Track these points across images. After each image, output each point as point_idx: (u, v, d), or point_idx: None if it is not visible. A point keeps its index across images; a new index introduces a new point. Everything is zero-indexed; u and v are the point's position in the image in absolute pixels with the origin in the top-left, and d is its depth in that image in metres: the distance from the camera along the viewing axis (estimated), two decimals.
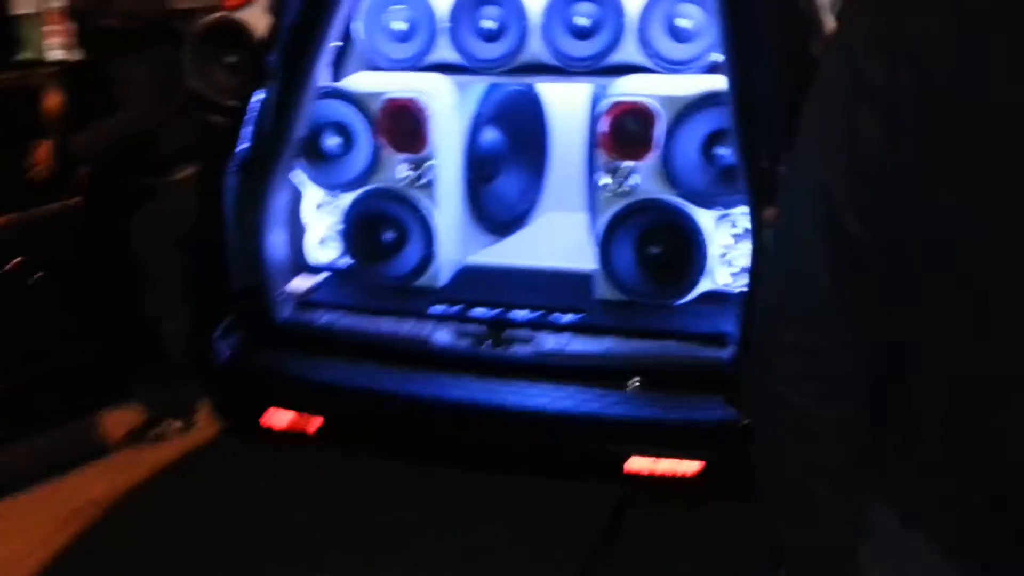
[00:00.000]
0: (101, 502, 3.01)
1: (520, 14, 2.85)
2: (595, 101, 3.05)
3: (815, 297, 0.89)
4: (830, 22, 2.51)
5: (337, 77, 2.94)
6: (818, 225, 0.87)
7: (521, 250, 3.23)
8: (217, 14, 3.13)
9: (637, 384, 2.32)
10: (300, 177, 2.83)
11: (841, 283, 0.87)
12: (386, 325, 2.62)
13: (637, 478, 2.21)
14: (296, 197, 2.86)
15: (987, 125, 0.76)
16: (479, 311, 2.64)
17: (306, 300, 2.75)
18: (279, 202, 2.67)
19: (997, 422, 0.81)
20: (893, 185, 0.82)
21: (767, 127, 2.19)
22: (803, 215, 0.90)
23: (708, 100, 2.47)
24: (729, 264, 2.60)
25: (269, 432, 2.44)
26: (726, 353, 2.31)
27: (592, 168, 2.88)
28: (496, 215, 3.28)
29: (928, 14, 0.78)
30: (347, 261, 2.92)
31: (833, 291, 0.88)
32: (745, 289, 2.28)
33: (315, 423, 2.41)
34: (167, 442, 3.34)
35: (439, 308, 2.68)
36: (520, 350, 2.45)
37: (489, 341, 2.50)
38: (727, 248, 2.59)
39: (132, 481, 3.12)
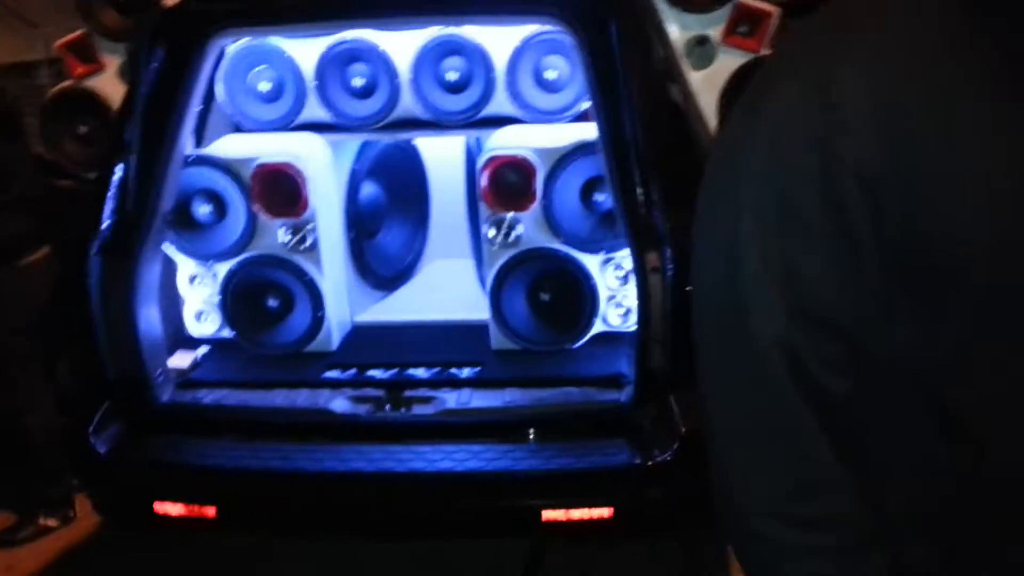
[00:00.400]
0: None
1: (389, 70, 2.84)
2: (470, 151, 3.08)
3: (813, 465, 0.79)
4: (687, 69, 2.66)
5: (201, 142, 2.82)
6: (780, 387, 0.77)
7: (411, 304, 3.21)
8: (66, 83, 2.94)
9: (532, 437, 2.34)
10: (170, 249, 2.70)
11: (831, 438, 0.78)
12: (279, 398, 2.52)
13: (552, 528, 2.21)
14: (168, 271, 2.72)
15: (951, 238, 0.69)
16: (375, 373, 2.59)
17: (188, 379, 2.61)
18: (149, 278, 2.52)
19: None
20: (850, 323, 0.74)
21: (639, 174, 2.28)
22: (759, 372, 0.79)
23: (582, 149, 2.54)
24: (618, 305, 2.68)
25: (162, 521, 2.28)
26: (624, 395, 2.36)
27: (474, 218, 2.90)
28: (382, 270, 3.24)
29: (868, 131, 0.70)
30: (229, 333, 2.80)
31: (831, 450, 0.78)
32: (635, 328, 2.34)
33: (210, 510, 2.28)
34: (42, 540, 3.07)
35: (333, 374, 2.61)
36: (421, 411, 2.42)
37: (388, 404, 2.45)
38: (614, 290, 2.67)
39: None
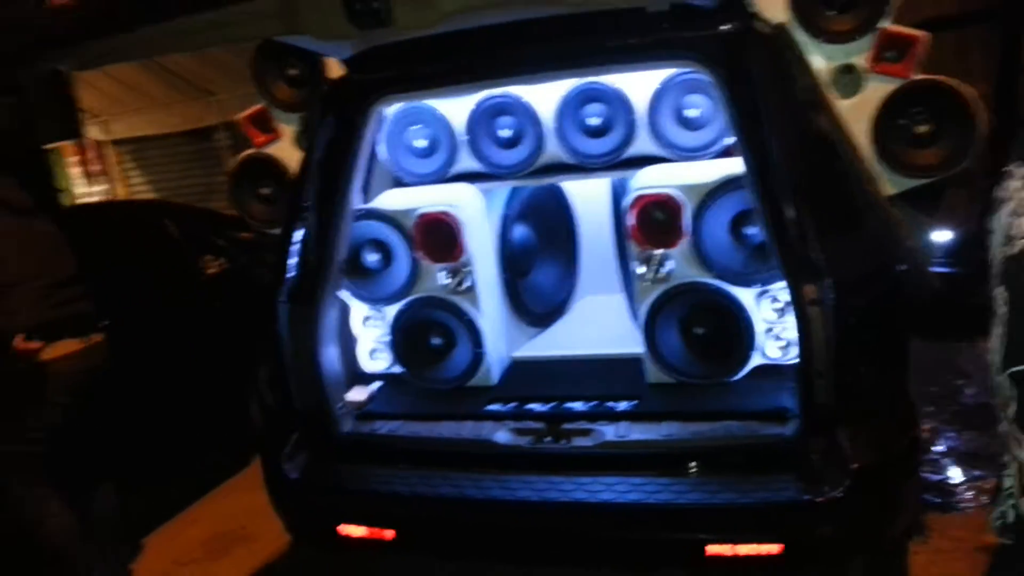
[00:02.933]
0: None
1: (534, 120, 3.00)
2: (615, 189, 3.18)
3: None
4: (834, 98, 2.64)
5: (367, 197, 3.09)
6: None
7: (565, 339, 3.32)
8: (249, 151, 3.30)
9: (694, 470, 2.35)
10: (345, 295, 2.96)
11: None
12: (446, 429, 2.68)
13: (719, 562, 2.22)
14: (344, 313, 2.97)
15: None
16: (535, 406, 2.71)
17: (365, 411, 2.83)
18: (329, 321, 2.77)
19: None
20: None
21: (791, 205, 2.28)
22: None
23: (729, 184, 2.57)
24: (777, 338, 2.66)
25: (345, 542, 2.49)
26: (788, 429, 2.34)
27: (623, 254, 2.98)
28: (536, 307, 3.38)
29: None
30: (398, 369, 3.02)
31: None
32: (796, 360, 2.32)
33: (389, 533, 2.46)
34: None
35: (495, 407, 2.75)
36: (582, 442, 2.50)
37: (549, 436, 2.55)
38: (771, 323, 2.65)
39: None
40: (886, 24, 2.53)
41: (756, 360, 2.67)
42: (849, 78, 2.61)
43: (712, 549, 2.20)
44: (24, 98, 3.11)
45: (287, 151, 3.21)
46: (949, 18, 5.75)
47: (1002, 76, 5.47)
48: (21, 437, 2.87)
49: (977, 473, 3.41)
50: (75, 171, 11.99)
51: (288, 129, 3.23)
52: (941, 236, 4.62)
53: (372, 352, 3.09)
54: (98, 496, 3.26)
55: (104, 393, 3.15)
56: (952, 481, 3.38)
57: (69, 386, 2.97)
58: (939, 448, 3.61)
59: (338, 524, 2.54)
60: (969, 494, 3.30)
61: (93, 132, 11.70)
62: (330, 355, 2.76)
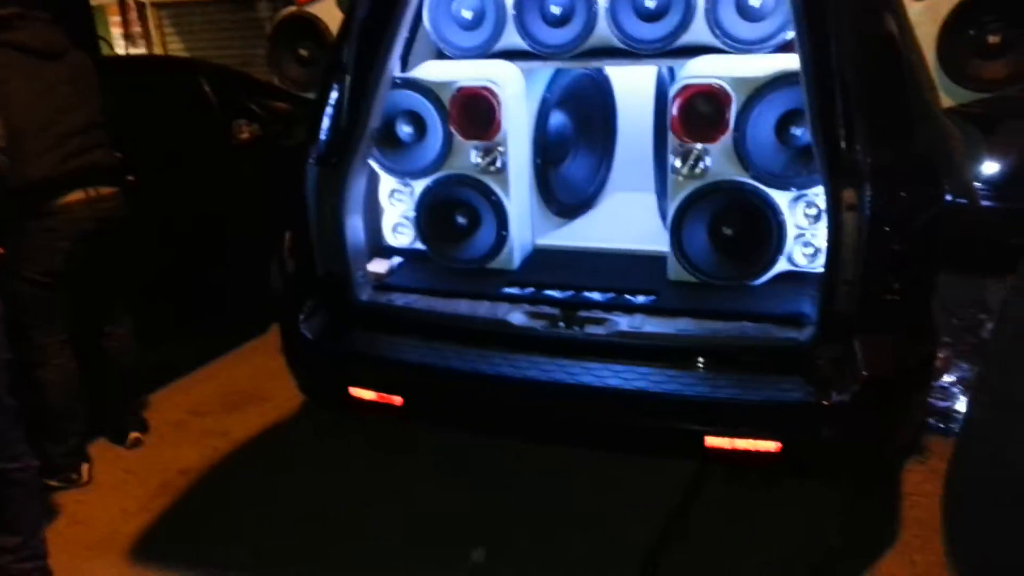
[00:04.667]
0: None
1: None
2: (661, 82, 3.06)
3: None
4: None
5: (406, 66, 3.00)
6: None
7: (591, 232, 3.27)
8: (291, 8, 3.22)
9: (702, 365, 2.35)
10: (374, 166, 2.92)
11: None
12: (462, 307, 2.69)
13: (716, 455, 2.25)
14: (372, 184, 2.94)
15: None
16: (552, 293, 2.69)
17: (384, 283, 2.84)
18: (356, 190, 2.74)
19: None
20: None
21: (843, 107, 2.18)
22: None
23: (781, 80, 2.46)
24: (806, 244, 2.60)
25: (355, 403, 2.54)
26: (804, 334, 2.31)
27: (661, 149, 2.89)
28: (565, 197, 3.32)
29: None
30: (421, 246, 3.01)
31: None
32: (821, 269, 2.28)
33: (398, 399, 2.50)
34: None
35: (513, 290, 2.74)
36: (595, 330, 2.49)
37: (563, 322, 2.55)
38: (803, 228, 2.59)
39: None
40: None
41: (782, 266, 2.62)
42: None
43: (711, 441, 2.22)
44: None
45: (330, 12, 3.14)
46: None
47: None
48: (26, 278, 2.92)
49: None
50: (116, 31, 11.85)
51: None
52: (990, 167, 4.45)
53: (396, 227, 3.07)
54: (113, 341, 3.32)
55: (119, 243, 3.17)
56: (958, 409, 3.36)
57: (72, 234, 2.98)
58: (950, 377, 3.57)
59: (349, 386, 2.58)
60: None
61: None
62: (354, 223, 2.74)
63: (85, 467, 3.19)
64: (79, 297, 3.12)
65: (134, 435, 3.43)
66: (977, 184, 4.46)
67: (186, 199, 3.97)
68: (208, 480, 3.23)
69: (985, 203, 4.50)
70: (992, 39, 2.43)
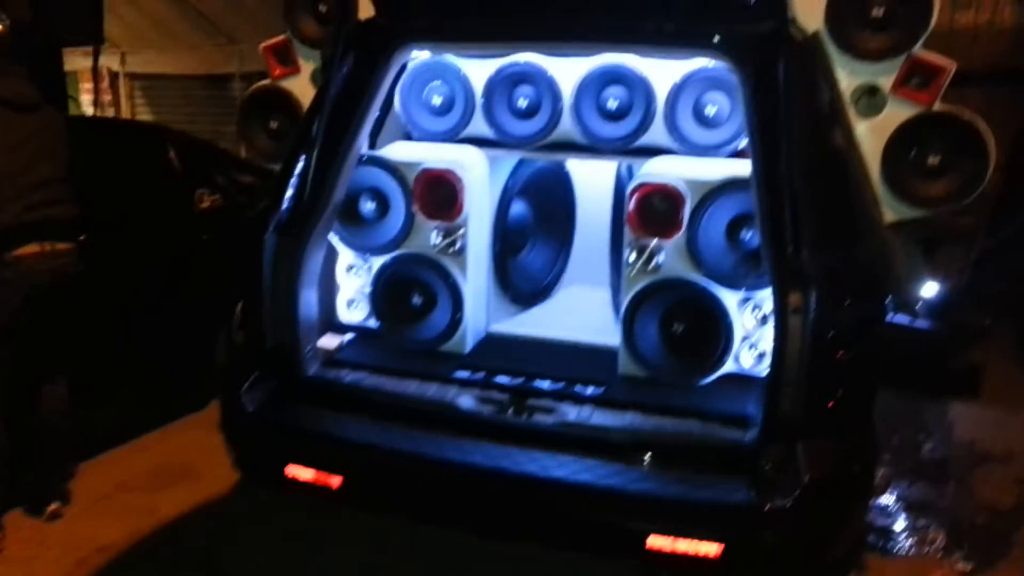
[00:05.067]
0: None
1: (554, 94, 2.98)
2: (620, 180, 3.16)
3: None
4: (853, 116, 2.64)
5: (375, 145, 3.06)
6: None
7: (545, 321, 3.29)
8: (264, 82, 3.27)
9: (648, 461, 2.33)
10: (334, 240, 2.92)
11: None
12: (411, 387, 2.65)
13: (657, 556, 2.19)
14: (330, 258, 2.93)
15: None
16: (503, 379, 2.67)
17: (333, 359, 2.79)
18: (314, 262, 2.73)
19: None
20: None
21: (791, 213, 2.26)
22: None
23: (733, 185, 2.56)
24: (752, 347, 2.65)
25: (291, 484, 2.45)
26: (748, 436, 2.32)
27: (617, 244, 2.96)
28: (522, 286, 3.35)
29: None
30: (374, 323, 2.98)
31: None
32: (767, 372, 2.30)
33: (337, 480, 2.42)
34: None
35: (463, 373, 2.72)
36: (542, 419, 2.48)
37: (512, 409, 2.53)
38: (750, 331, 2.64)
39: None
40: (917, 50, 2.52)
41: (729, 366, 2.66)
42: (870, 98, 2.61)
43: (653, 541, 2.17)
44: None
45: (303, 87, 3.18)
46: (976, 73, 5.80)
47: (1019, 140, 5.50)
48: None
49: (923, 523, 3.41)
50: (87, 97, 11.89)
51: (308, 65, 3.20)
52: (928, 289, 4.63)
53: (351, 302, 3.05)
54: (47, 401, 3.18)
55: (67, 301, 3.09)
56: (897, 528, 3.38)
57: (23, 287, 2.91)
58: (890, 495, 3.61)
59: (287, 464, 2.49)
60: (911, 541, 3.30)
61: (110, 62, 11.61)
62: (308, 296, 2.72)
63: None
64: (17, 352, 3.01)
65: (53, 506, 3.24)
66: (917, 304, 4.64)
67: (139, 262, 3.90)
68: (128, 559, 3.04)
69: (924, 324, 4.68)
70: (932, 160, 2.57)
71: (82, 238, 3.15)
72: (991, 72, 6.08)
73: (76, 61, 8.39)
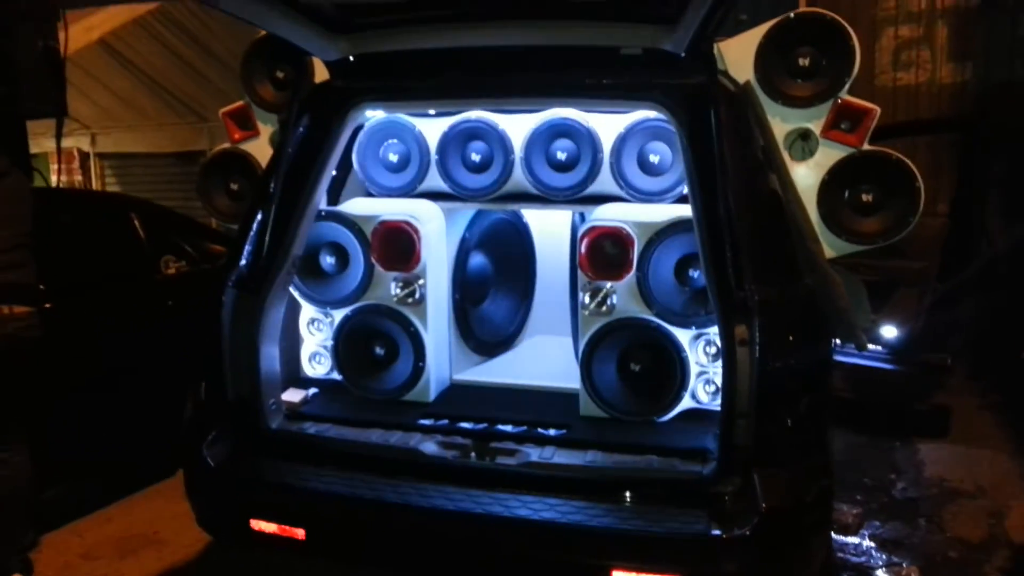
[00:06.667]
0: None
1: (504, 148, 3.10)
2: (576, 227, 3.26)
3: None
4: (787, 160, 2.77)
5: (336, 202, 3.14)
6: None
7: (508, 369, 3.34)
8: (224, 145, 3.36)
9: (609, 497, 2.36)
10: (296, 294, 2.97)
11: None
12: (375, 436, 2.67)
13: None
14: (291, 313, 2.98)
15: None
16: (466, 425, 2.71)
17: (297, 412, 2.81)
18: (274, 317, 2.77)
19: None
20: None
21: (732, 251, 2.36)
22: None
23: (678, 226, 2.67)
24: (708, 382, 2.72)
25: (256, 537, 2.43)
26: (707, 468, 2.37)
27: (575, 291, 3.03)
28: (484, 336, 3.41)
29: None
30: (338, 376, 3.01)
31: None
32: (720, 408, 2.36)
33: (301, 532, 2.41)
34: None
35: (427, 421, 2.75)
36: (506, 461, 2.50)
37: (475, 452, 2.55)
38: (704, 366, 2.71)
39: None
40: (843, 95, 2.68)
41: (686, 403, 2.71)
42: (803, 142, 2.75)
43: (617, 575, 2.18)
44: (11, 70, 3.16)
45: (262, 149, 3.27)
46: (925, 123, 6.09)
47: (967, 185, 5.74)
48: None
49: (895, 559, 3.43)
50: (55, 178, 11.95)
51: (266, 129, 3.29)
52: (888, 331, 4.75)
53: (313, 356, 3.09)
54: (6, 469, 3.14)
55: (26, 364, 3.08)
56: (871, 564, 3.40)
57: None
58: (863, 533, 3.64)
59: (250, 518, 2.49)
60: None
61: (80, 143, 11.73)
62: (269, 350, 2.75)
63: None
64: None
65: None
66: (878, 348, 4.76)
67: (102, 328, 3.90)
68: None
69: (886, 366, 4.78)
70: (865, 198, 2.70)
71: (48, 305, 3.16)
72: (937, 120, 6.40)
73: (43, 143, 8.48)
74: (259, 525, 2.47)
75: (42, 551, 3.42)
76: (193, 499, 2.63)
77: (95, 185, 12.23)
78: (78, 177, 12.25)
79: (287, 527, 2.44)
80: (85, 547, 3.56)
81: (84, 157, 12.21)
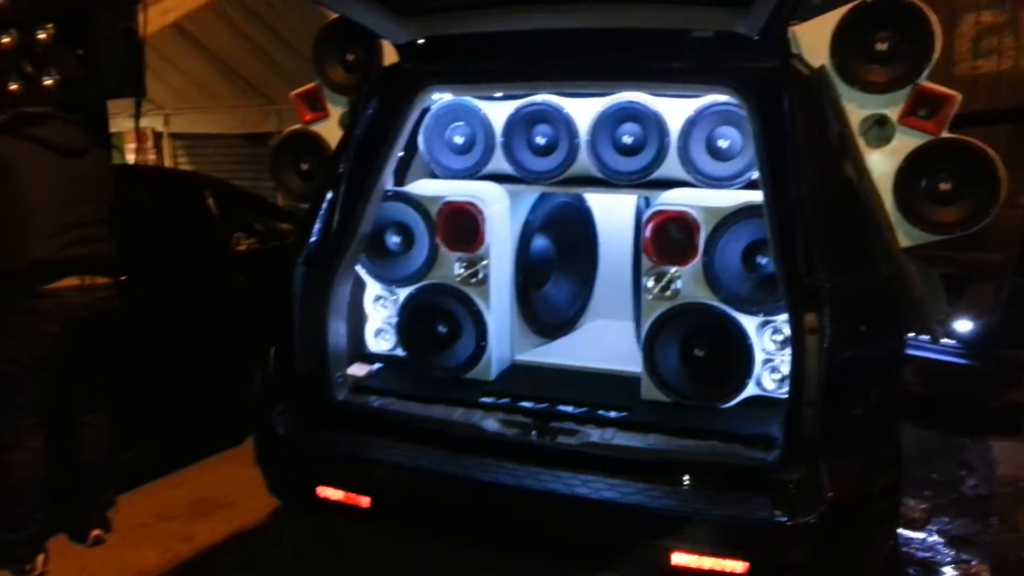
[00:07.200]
0: None
1: (570, 131, 3.10)
2: (641, 212, 3.25)
3: None
4: (863, 146, 2.71)
5: (401, 183, 3.19)
6: None
7: (569, 351, 3.35)
8: (295, 126, 3.44)
9: (672, 480, 2.36)
10: (362, 272, 3.03)
11: None
12: (436, 411, 2.72)
13: (682, 573, 2.21)
14: (357, 290, 3.04)
15: None
16: (527, 404, 2.73)
17: (362, 385, 2.88)
18: (341, 293, 2.84)
19: None
20: None
21: (803, 238, 2.32)
22: None
23: (747, 212, 2.63)
24: (774, 370, 2.68)
25: (322, 504, 2.51)
26: (771, 456, 2.34)
27: (638, 277, 3.03)
28: (546, 318, 3.42)
29: None
30: (401, 352, 3.07)
31: None
32: (787, 396, 2.33)
33: (366, 500, 2.48)
34: None
35: (488, 399, 2.78)
36: (566, 440, 2.52)
37: (535, 431, 2.58)
38: (771, 354, 2.67)
39: None
40: (922, 81, 2.60)
41: (751, 390, 2.69)
42: (879, 129, 2.68)
43: (678, 559, 2.19)
44: (93, 52, 3.28)
45: (332, 131, 3.34)
46: (1007, 112, 5.84)
47: None
48: (8, 358, 2.96)
49: (964, 557, 3.35)
50: (131, 157, 12.39)
51: (336, 110, 3.36)
52: (962, 325, 4.60)
53: (378, 332, 3.15)
54: (90, 431, 3.30)
55: (107, 333, 3.23)
56: (938, 560, 3.32)
57: (60, 318, 3.04)
58: (930, 528, 3.56)
59: (317, 485, 2.57)
60: (953, 574, 3.23)
61: (154, 123, 12.12)
62: (337, 325, 2.82)
63: (40, 558, 3.08)
64: (59, 383, 3.13)
65: (95, 532, 3.34)
66: (951, 342, 4.61)
67: (177, 301, 4.06)
68: None
69: (960, 361, 4.64)
70: (943, 186, 2.62)
71: (123, 278, 3.31)
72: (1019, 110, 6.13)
73: (121, 123, 8.80)
74: (325, 492, 2.54)
75: (118, 511, 3.59)
76: (263, 466, 2.73)
77: (168, 164, 12.64)
78: (152, 156, 12.68)
79: (352, 495, 2.51)
80: (159, 508, 3.73)
81: (157, 137, 12.63)
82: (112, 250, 3.24)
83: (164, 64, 10.31)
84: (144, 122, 11.72)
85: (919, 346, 4.29)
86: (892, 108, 2.66)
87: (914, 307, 2.56)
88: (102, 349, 3.25)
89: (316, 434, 2.67)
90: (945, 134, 2.62)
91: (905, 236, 2.68)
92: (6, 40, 3.21)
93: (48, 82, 3.20)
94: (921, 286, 2.69)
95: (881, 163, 2.69)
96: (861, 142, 2.72)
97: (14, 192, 2.87)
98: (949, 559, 3.34)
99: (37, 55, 3.20)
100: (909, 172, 2.64)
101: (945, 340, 4.51)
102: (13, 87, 3.23)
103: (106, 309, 3.18)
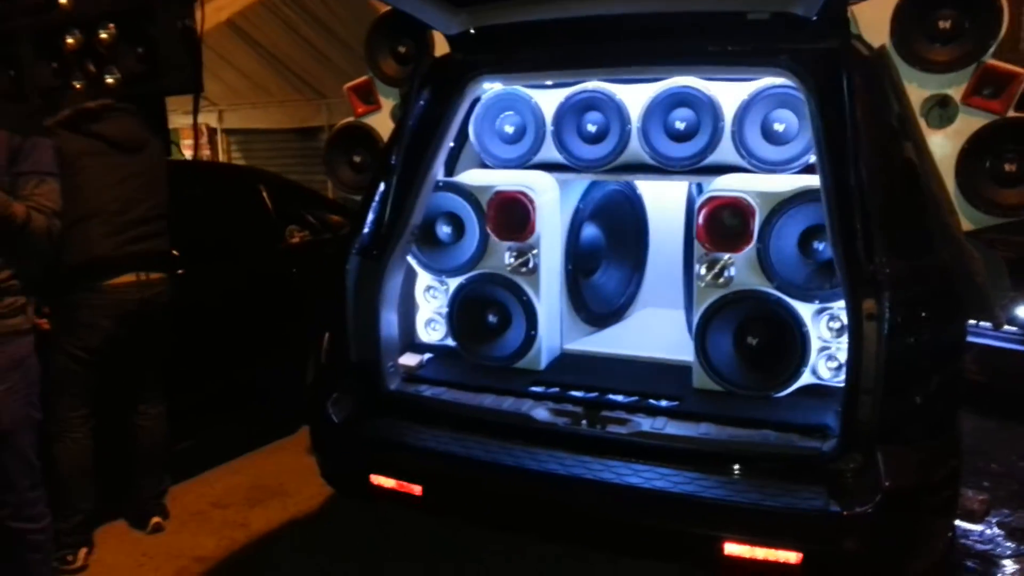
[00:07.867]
0: None
1: (622, 118, 3.07)
2: (692, 200, 3.20)
3: None
4: (925, 127, 2.63)
5: (451, 173, 3.21)
6: None
7: (618, 340, 3.33)
8: (348, 119, 3.48)
9: (724, 469, 2.32)
10: (413, 262, 3.06)
11: None
12: (487, 400, 2.73)
13: (735, 563, 2.18)
14: (409, 280, 3.07)
15: None
16: (577, 393, 2.72)
17: (413, 375, 2.91)
18: (394, 282, 2.87)
19: None
20: None
21: (862, 222, 2.26)
22: None
23: (803, 196, 2.57)
24: (830, 358, 2.62)
25: (375, 492, 2.55)
26: (826, 445, 2.29)
27: (689, 264, 2.99)
28: (595, 307, 3.41)
29: None
30: (452, 343, 3.09)
31: None
32: (844, 384, 2.28)
33: (418, 488, 2.51)
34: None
35: (538, 388, 2.78)
36: (616, 430, 2.51)
37: (586, 420, 2.57)
38: (827, 341, 2.62)
39: None
40: (987, 59, 2.51)
41: (806, 378, 2.63)
42: (941, 109, 2.60)
43: (730, 548, 2.16)
44: (153, 48, 3.36)
45: (383, 123, 3.38)
46: None
47: None
48: (64, 351, 3.05)
49: None
50: (188, 153, 12.71)
51: (388, 103, 3.40)
52: None
53: (429, 322, 3.18)
54: (147, 420, 3.40)
55: (161, 326, 3.31)
56: (997, 553, 3.22)
57: (116, 313, 3.11)
58: (990, 520, 3.45)
59: (370, 473, 2.60)
60: (1016, 568, 3.14)
61: (208, 119, 12.40)
62: (389, 315, 2.85)
63: (83, 552, 3.15)
64: (115, 375, 3.22)
65: (155, 520, 3.44)
66: (1013, 328, 4.46)
67: (232, 293, 4.15)
68: (223, 568, 3.20)
69: (1022, 348, 4.48)
70: (1008, 167, 2.53)
71: (180, 272, 3.39)
72: None
73: (177, 120, 9.03)
74: (378, 480, 2.58)
75: (176, 498, 3.70)
76: (318, 453, 2.77)
77: (222, 159, 12.93)
78: (206, 151, 12.99)
79: (405, 483, 2.54)
80: (215, 496, 3.83)
81: (211, 132, 12.93)
82: (168, 245, 3.32)
83: (218, 61, 10.53)
84: (199, 118, 12.02)
85: (979, 332, 4.16)
86: (955, 88, 2.58)
87: (976, 293, 2.48)
88: (156, 341, 3.34)
89: (369, 423, 2.71)
90: (1011, 113, 2.53)
91: (967, 219, 2.60)
92: (71, 41, 3.32)
93: (110, 80, 3.29)
94: (984, 271, 2.60)
95: (943, 144, 2.62)
96: (922, 123, 2.64)
97: (76, 191, 2.95)
98: (1009, 552, 3.25)
99: (99, 54, 3.30)
100: (972, 153, 2.56)
101: (1007, 327, 4.37)
102: (77, 86, 3.34)
103: (159, 303, 3.25)
